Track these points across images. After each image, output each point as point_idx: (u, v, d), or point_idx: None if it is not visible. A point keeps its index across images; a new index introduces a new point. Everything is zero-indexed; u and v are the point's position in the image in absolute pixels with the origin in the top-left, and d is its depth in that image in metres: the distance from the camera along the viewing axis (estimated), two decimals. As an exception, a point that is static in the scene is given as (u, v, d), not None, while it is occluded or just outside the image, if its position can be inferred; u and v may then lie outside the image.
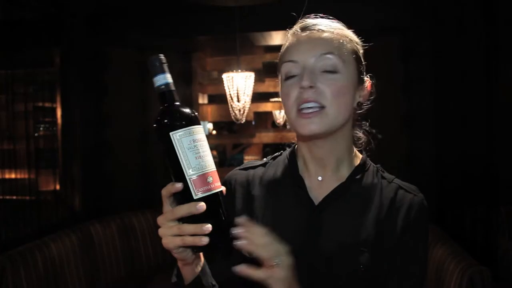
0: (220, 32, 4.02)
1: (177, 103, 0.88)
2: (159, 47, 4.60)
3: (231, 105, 3.42)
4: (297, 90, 0.98)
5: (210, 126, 5.34)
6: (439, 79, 3.75)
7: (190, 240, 0.84)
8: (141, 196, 4.40)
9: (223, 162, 5.21)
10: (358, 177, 1.06)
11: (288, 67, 1.02)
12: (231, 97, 3.42)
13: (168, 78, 0.88)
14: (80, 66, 4.13)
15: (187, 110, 0.88)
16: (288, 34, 1.09)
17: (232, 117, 3.50)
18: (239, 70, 3.42)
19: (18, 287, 2.70)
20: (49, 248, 3.03)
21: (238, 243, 0.86)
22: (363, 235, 0.99)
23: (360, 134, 1.15)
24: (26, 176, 3.62)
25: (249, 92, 3.44)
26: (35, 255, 2.89)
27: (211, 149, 5.43)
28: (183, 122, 0.85)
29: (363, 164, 1.09)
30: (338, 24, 1.07)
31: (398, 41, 4.08)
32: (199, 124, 0.87)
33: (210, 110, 4.91)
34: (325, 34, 1.02)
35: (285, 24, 1.10)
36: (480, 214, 3.25)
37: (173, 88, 0.88)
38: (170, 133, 0.84)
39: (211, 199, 0.84)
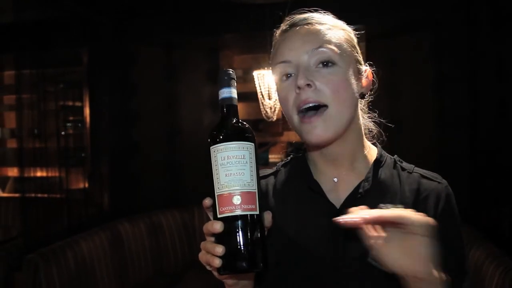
0: (250, 30, 3.98)
1: (233, 118, 0.88)
2: (187, 45, 4.61)
3: (262, 103, 3.39)
4: (294, 91, 0.94)
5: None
6: (473, 75, 3.64)
7: (204, 259, 0.83)
8: (168, 194, 4.42)
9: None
10: (376, 172, 1.01)
11: (281, 68, 0.97)
12: (262, 95, 3.39)
13: (232, 93, 0.88)
14: (108, 64, 4.16)
15: (236, 126, 0.86)
16: (276, 34, 1.04)
17: (263, 115, 3.48)
18: (270, 68, 3.38)
19: (51, 283, 2.74)
20: (79, 246, 3.06)
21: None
22: None
23: (370, 125, 1.10)
24: (57, 174, 3.66)
25: (280, 90, 3.41)
26: (66, 253, 2.92)
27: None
28: (222, 137, 0.83)
29: (379, 158, 1.04)
30: (328, 16, 1.01)
31: (431, 37, 3.99)
32: (246, 141, 0.84)
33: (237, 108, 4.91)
34: (315, 27, 0.96)
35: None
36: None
37: (234, 103, 0.89)
38: (210, 147, 0.84)
39: (232, 221, 0.81)
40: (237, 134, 0.84)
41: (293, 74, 0.96)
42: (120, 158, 4.25)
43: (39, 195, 3.45)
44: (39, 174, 3.55)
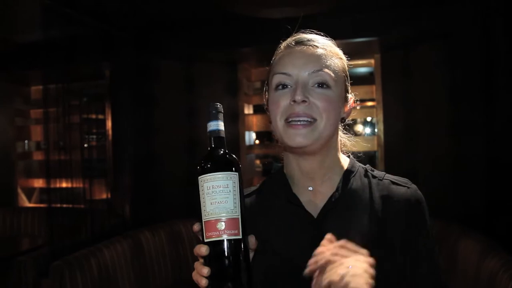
0: (266, 44, 4.06)
1: (220, 149, 0.95)
2: (206, 59, 4.71)
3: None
4: (287, 100, 1.01)
5: (253, 136, 5.43)
6: (488, 84, 3.64)
7: (195, 278, 0.92)
8: (188, 204, 4.49)
9: (267, 171, 5.30)
10: (346, 182, 1.08)
11: (280, 78, 1.04)
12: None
13: (219, 125, 0.96)
14: (129, 78, 4.27)
15: (221, 157, 0.94)
16: (281, 46, 1.12)
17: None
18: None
19: (75, 290, 2.83)
20: (102, 254, 3.15)
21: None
22: (366, 238, 0.99)
23: (344, 139, 1.18)
24: (81, 185, 3.77)
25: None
26: (90, 261, 3.02)
27: (256, 158, 5.50)
28: (208, 168, 0.91)
29: (350, 168, 1.11)
30: (329, 41, 1.11)
31: (445, 47, 4.00)
32: (229, 171, 0.91)
33: (255, 120, 4.97)
34: (318, 50, 1.05)
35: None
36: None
37: (221, 135, 0.96)
38: (198, 177, 0.92)
39: (217, 245, 0.89)
40: (221, 165, 0.91)
41: (290, 86, 1.03)
42: (142, 169, 4.33)
43: (64, 205, 3.55)
44: (64, 185, 3.65)
